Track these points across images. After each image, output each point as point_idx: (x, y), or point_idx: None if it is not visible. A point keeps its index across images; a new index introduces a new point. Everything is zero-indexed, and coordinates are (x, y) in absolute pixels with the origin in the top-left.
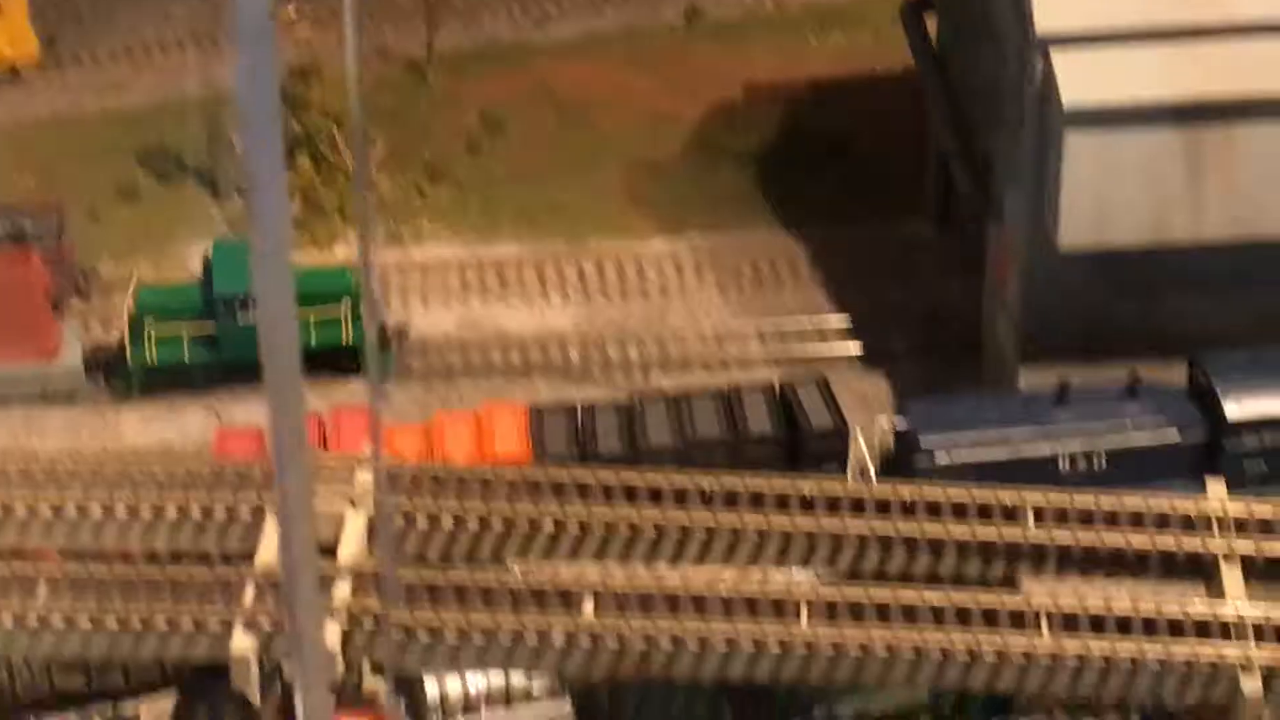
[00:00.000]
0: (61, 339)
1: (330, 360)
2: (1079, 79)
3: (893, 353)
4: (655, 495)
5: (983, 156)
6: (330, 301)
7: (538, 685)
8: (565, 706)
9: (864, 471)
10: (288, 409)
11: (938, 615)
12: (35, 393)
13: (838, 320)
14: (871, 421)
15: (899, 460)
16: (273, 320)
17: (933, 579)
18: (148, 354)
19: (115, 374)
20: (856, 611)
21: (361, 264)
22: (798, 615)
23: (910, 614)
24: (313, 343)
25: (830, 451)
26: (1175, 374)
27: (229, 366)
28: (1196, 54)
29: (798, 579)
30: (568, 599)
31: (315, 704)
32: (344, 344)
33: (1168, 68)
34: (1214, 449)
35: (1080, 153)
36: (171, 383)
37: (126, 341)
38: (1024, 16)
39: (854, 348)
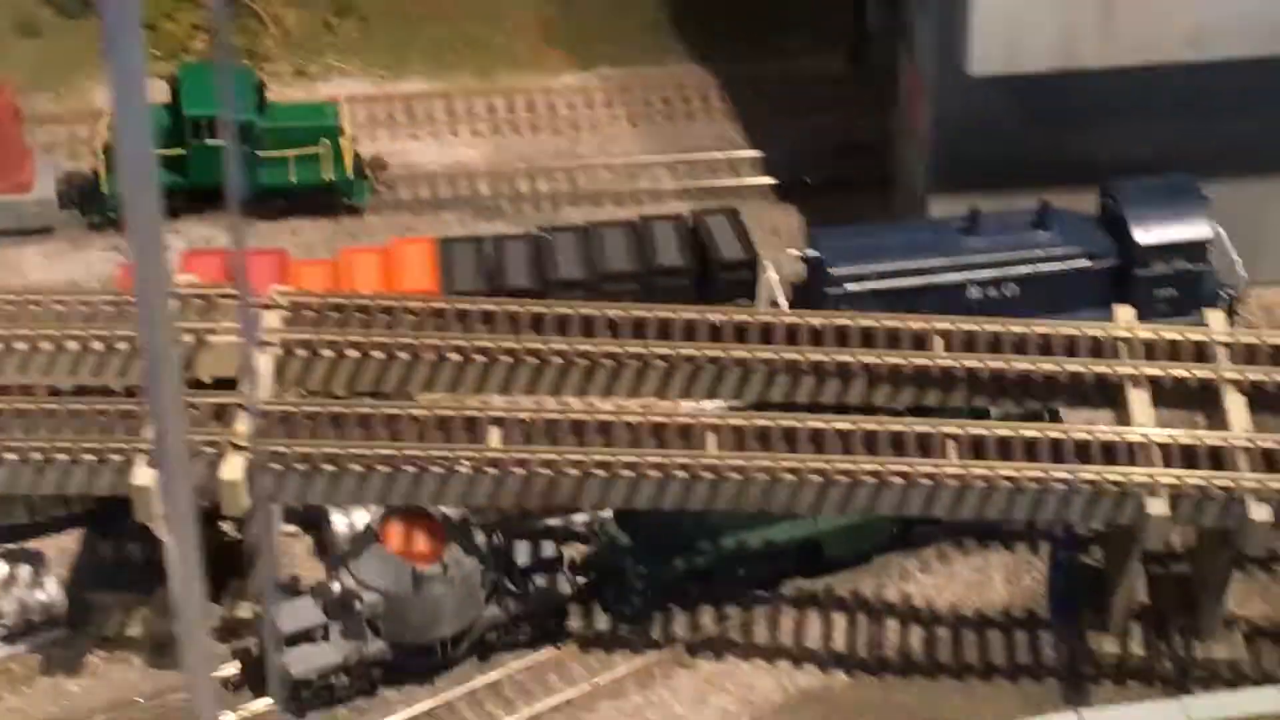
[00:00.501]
0: (35, 171)
1: (309, 197)
2: None
3: (805, 185)
4: (562, 326)
5: None
6: (310, 140)
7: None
8: None
9: (774, 302)
10: (148, 250)
11: (845, 441)
12: (11, 226)
13: (750, 153)
14: (782, 253)
15: (809, 290)
16: (132, 160)
17: (841, 408)
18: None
19: (90, 204)
20: (763, 438)
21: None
22: (704, 442)
23: (818, 440)
24: (293, 180)
25: (741, 282)
26: (1086, 203)
27: (200, 190)
28: None
29: (706, 408)
30: (473, 429)
31: (183, 536)
32: (324, 182)
33: None
34: (1124, 275)
35: None
36: None
37: (101, 170)
38: None
39: (766, 180)
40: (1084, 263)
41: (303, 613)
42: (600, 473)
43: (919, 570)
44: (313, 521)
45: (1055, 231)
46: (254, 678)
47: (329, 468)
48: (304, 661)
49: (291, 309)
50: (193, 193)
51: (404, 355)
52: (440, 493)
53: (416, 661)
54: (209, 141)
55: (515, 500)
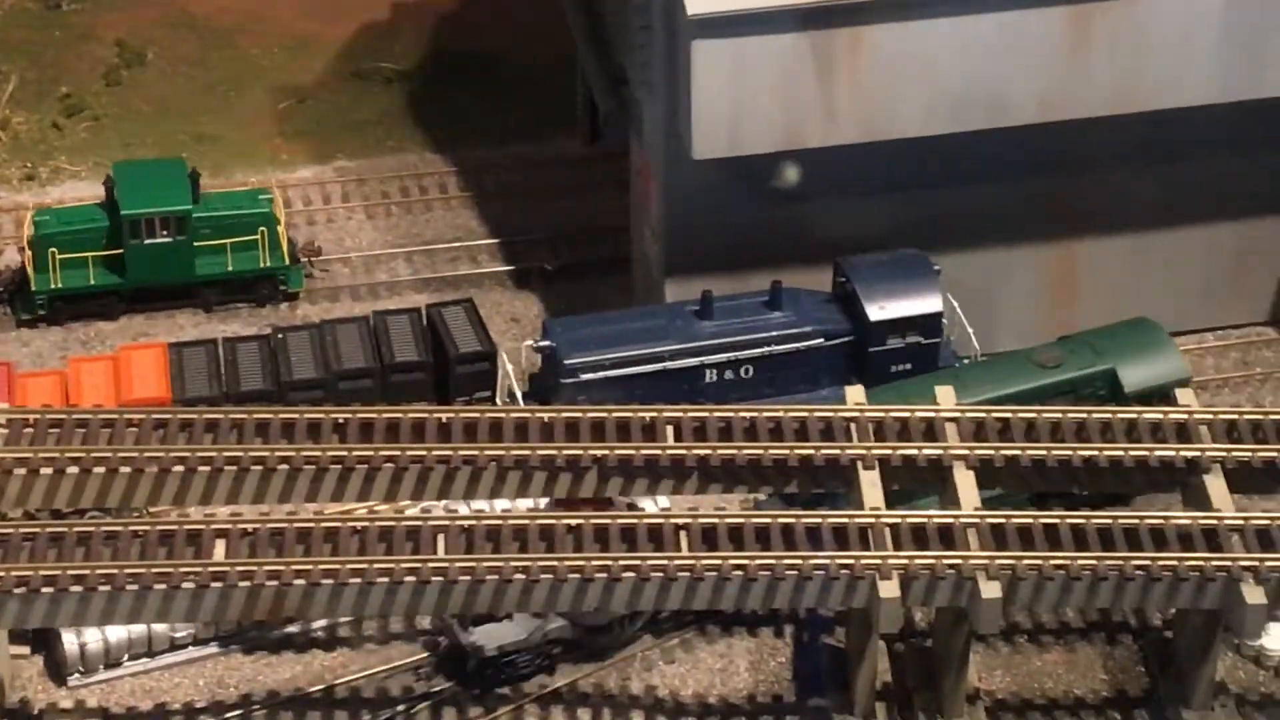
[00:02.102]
0: None
1: (246, 286)
2: None
3: (544, 271)
4: (288, 431)
5: (621, 70)
6: (247, 229)
7: (182, 632)
8: (211, 649)
9: (512, 394)
10: None
11: (576, 537)
12: None
13: (488, 240)
14: (522, 342)
15: (545, 381)
16: None
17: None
18: (53, 279)
19: (18, 301)
20: (493, 537)
21: None
22: (432, 545)
23: (548, 537)
24: (230, 268)
25: (479, 375)
26: (822, 280)
27: (135, 289)
28: None
29: (436, 508)
30: (197, 542)
31: None
32: (262, 269)
33: None
34: (860, 351)
35: (708, 60)
36: (76, 308)
37: (30, 267)
38: None
39: (505, 268)
40: (819, 341)
41: None
42: (327, 581)
43: (662, 660)
44: (43, 641)
45: (789, 311)
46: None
47: (48, 590)
48: (490, 639)
49: (8, 426)
50: (133, 293)
51: (126, 469)
52: (164, 610)
53: (594, 640)
54: (146, 240)
55: (242, 613)
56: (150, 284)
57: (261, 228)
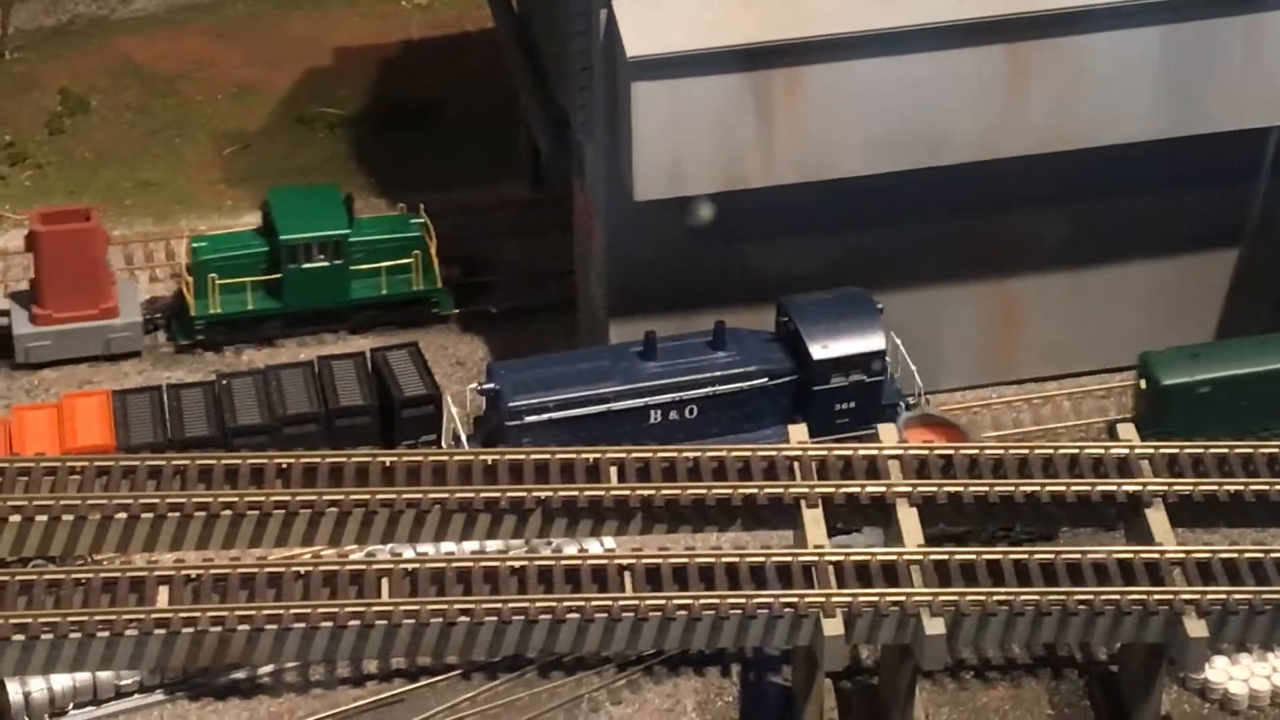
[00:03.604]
0: (118, 296)
1: (399, 310)
2: (643, 29)
3: (489, 314)
4: (231, 477)
5: (562, 113)
6: (400, 253)
7: (129, 680)
8: (157, 696)
9: (456, 437)
10: None
11: (521, 578)
12: (99, 351)
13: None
14: (466, 386)
15: (490, 423)
16: None
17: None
18: (211, 304)
19: (178, 327)
20: (437, 580)
21: None
22: (378, 589)
23: (492, 580)
24: (384, 291)
25: (424, 419)
26: (765, 319)
27: (292, 314)
28: None
29: (381, 552)
30: (140, 589)
31: None
32: (414, 292)
33: (730, 13)
34: (804, 391)
35: (648, 103)
36: (232, 332)
37: (188, 293)
38: None
39: (450, 310)
40: (763, 380)
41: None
42: (272, 626)
43: (609, 701)
44: None
45: (733, 351)
46: None
47: None
48: None
49: None
50: (288, 317)
51: (69, 517)
52: (109, 658)
53: None
54: (304, 265)
55: (187, 659)
56: (307, 308)
57: (415, 251)
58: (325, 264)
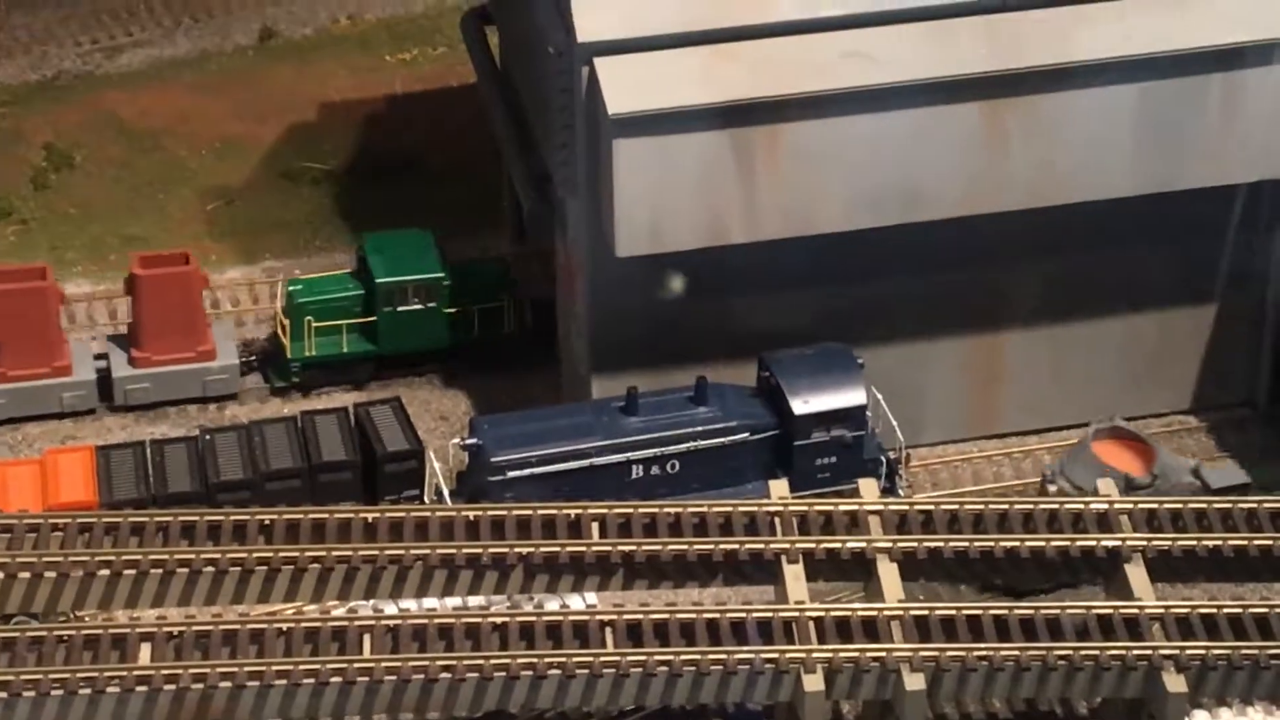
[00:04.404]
0: (213, 340)
1: (490, 352)
2: (624, 86)
3: (473, 370)
4: (214, 533)
5: (545, 169)
6: (491, 296)
7: None
8: None
9: (439, 492)
10: None
11: (502, 635)
12: (195, 394)
13: None
14: (449, 440)
15: (472, 477)
16: None
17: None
18: (308, 347)
19: (273, 369)
20: (419, 637)
21: None
22: (360, 646)
23: (473, 635)
24: (476, 333)
25: (407, 474)
26: (746, 374)
27: (385, 357)
28: (738, 55)
29: (363, 608)
30: (122, 646)
31: None
32: (506, 335)
33: (711, 70)
34: (785, 446)
35: (630, 159)
36: (328, 375)
37: (284, 336)
38: (567, 27)
39: (433, 367)
40: (744, 435)
41: None
42: (253, 683)
43: None
44: None
45: (714, 406)
46: None
47: None
48: None
49: None
50: (381, 359)
51: (51, 574)
52: (90, 715)
53: None
54: (400, 309)
55: (168, 717)
56: (401, 351)
57: (504, 295)
58: (419, 307)
